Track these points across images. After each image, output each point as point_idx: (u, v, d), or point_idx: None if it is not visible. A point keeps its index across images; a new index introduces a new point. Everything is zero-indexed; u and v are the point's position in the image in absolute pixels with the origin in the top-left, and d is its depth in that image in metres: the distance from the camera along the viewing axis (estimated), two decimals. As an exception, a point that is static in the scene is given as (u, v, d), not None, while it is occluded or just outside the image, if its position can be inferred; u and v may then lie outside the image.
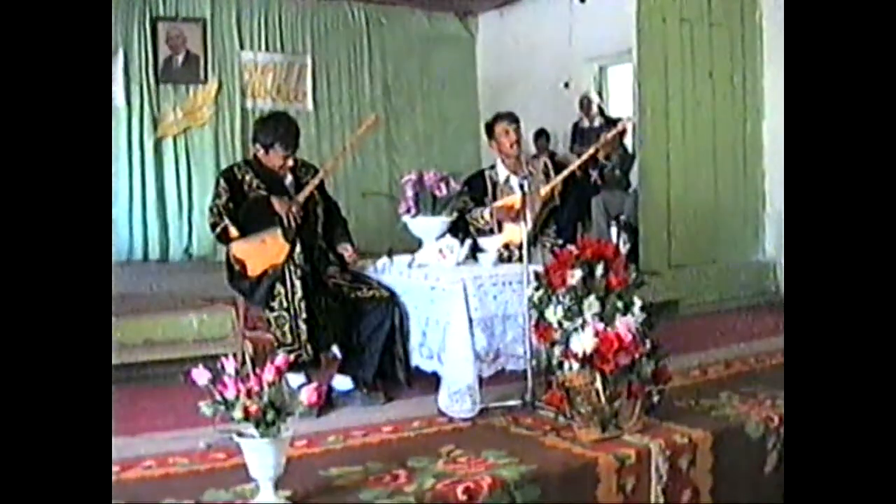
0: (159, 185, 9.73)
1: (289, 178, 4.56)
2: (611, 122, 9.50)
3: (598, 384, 3.56)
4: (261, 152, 4.51)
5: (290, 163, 4.51)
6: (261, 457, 2.81)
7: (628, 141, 8.66)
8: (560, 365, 3.66)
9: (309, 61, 10.48)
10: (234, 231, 4.32)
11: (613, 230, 8.47)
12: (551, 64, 10.31)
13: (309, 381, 4.15)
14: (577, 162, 5.03)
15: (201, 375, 2.82)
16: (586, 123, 9.84)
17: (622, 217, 8.54)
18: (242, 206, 4.40)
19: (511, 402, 4.08)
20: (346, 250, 4.58)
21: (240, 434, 2.82)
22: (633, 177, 8.55)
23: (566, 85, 10.31)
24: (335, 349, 4.52)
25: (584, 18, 9.95)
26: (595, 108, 9.83)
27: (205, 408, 2.80)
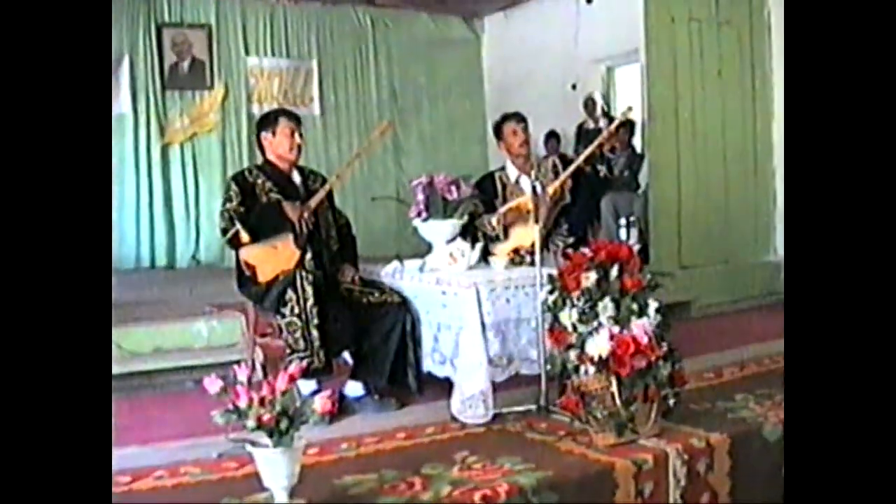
0: (166, 192, 9.72)
1: (298, 178, 4.54)
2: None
3: (614, 388, 3.51)
4: (268, 139, 4.52)
5: (299, 140, 4.52)
6: (274, 466, 2.77)
7: (636, 141, 8.63)
8: (576, 369, 3.61)
9: (315, 66, 10.46)
10: (245, 236, 4.29)
11: (623, 231, 8.43)
12: (558, 65, 10.25)
13: (320, 387, 4.12)
14: (584, 153, 4.99)
15: (213, 384, 2.78)
16: (591, 125, 9.78)
17: (631, 218, 8.51)
18: (254, 210, 4.38)
19: (524, 407, 4.04)
20: (346, 274, 4.53)
21: (253, 443, 2.78)
22: (642, 178, 8.54)
23: (573, 86, 10.25)
24: (346, 355, 4.49)
25: (591, 19, 9.90)
26: (599, 110, 9.78)
27: (218, 417, 2.76)
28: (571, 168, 4.98)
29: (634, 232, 8.45)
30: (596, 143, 5.06)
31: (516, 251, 4.54)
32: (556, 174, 5.12)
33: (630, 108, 5.50)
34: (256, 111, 9.88)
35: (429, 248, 4.63)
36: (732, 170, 7.68)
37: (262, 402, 2.70)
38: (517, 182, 5.11)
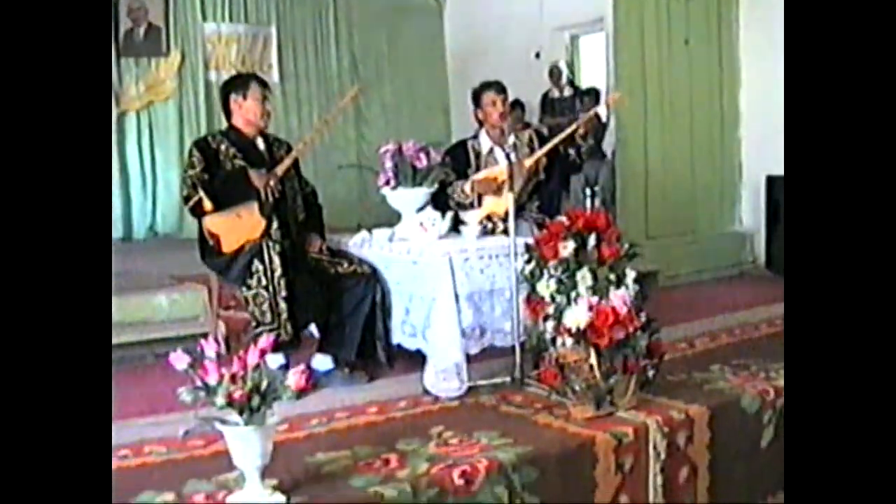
0: (122, 162, 9.40)
1: (262, 145, 4.39)
2: (581, 93, 9.36)
3: (593, 360, 3.43)
4: (238, 102, 4.36)
5: (269, 106, 4.40)
6: (246, 445, 2.64)
7: (601, 110, 8.53)
8: (553, 340, 3.52)
9: (274, 32, 10.17)
10: (208, 204, 4.12)
11: (588, 201, 8.36)
12: (522, 34, 10.10)
13: (288, 361, 3.99)
14: (563, 135, 4.81)
15: (180, 359, 2.64)
16: (556, 94, 9.70)
17: (596, 188, 8.44)
18: (218, 177, 4.21)
19: (498, 380, 3.95)
20: (313, 244, 4.41)
21: (222, 422, 2.65)
22: (607, 146, 8.47)
23: (537, 55, 10.14)
24: (312, 328, 4.36)
25: (554, -14, 9.78)
26: (564, 79, 9.68)
27: (185, 394, 2.62)
28: (548, 146, 4.80)
29: (597, 202, 8.39)
30: (573, 127, 4.88)
31: (488, 218, 4.42)
32: (532, 148, 4.98)
33: (618, 95, 5.40)
34: (214, 78, 9.59)
35: (396, 217, 4.50)
36: (699, 140, 7.60)
37: (232, 378, 2.56)
38: (491, 152, 4.94)
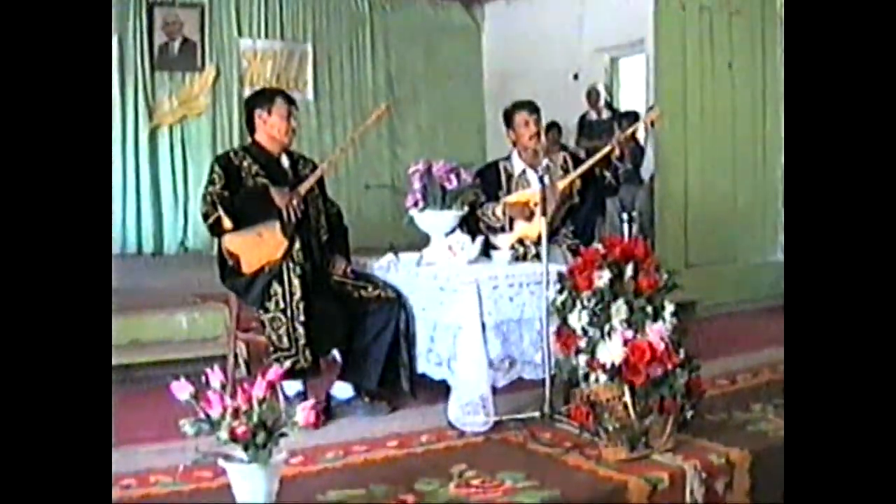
0: (154, 176, 9.43)
1: (287, 163, 4.23)
2: (619, 115, 9.18)
3: (627, 398, 3.22)
4: (263, 118, 4.20)
5: (294, 123, 4.23)
6: (250, 483, 2.46)
7: (639, 134, 8.33)
8: (585, 376, 3.31)
9: (310, 49, 10.15)
10: (227, 222, 3.96)
11: (625, 227, 8.16)
12: (560, 55, 9.97)
13: (306, 389, 3.82)
14: (598, 155, 4.63)
15: (182, 389, 2.47)
16: (594, 116, 9.54)
17: (633, 213, 8.23)
18: (239, 195, 4.05)
19: (527, 415, 3.74)
20: (337, 267, 4.23)
21: (226, 457, 2.48)
22: (645, 171, 8.26)
23: (576, 76, 9.98)
24: (335, 353, 4.18)
25: (595, 7, 9.63)
26: (602, 101, 9.51)
27: (187, 427, 2.45)
28: (583, 167, 4.63)
29: (635, 228, 8.18)
30: (608, 147, 4.69)
31: (521, 241, 4.24)
32: (566, 170, 4.80)
33: (657, 114, 5.21)
34: (248, 94, 9.57)
35: (426, 240, 4.33)
36: (741, 166, 7.38)
37: (235, 413, 2.38)
38: (523, 174, 4.77)
